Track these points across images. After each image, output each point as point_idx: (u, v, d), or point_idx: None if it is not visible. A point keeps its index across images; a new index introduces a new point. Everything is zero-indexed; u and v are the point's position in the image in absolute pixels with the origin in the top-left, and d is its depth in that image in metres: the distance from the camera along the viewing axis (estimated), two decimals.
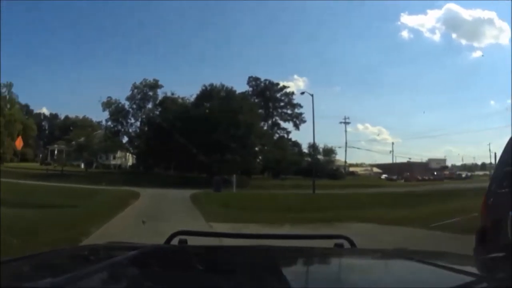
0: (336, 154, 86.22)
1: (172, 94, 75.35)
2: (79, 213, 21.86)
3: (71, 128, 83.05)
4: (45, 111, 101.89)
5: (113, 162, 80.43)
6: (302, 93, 69.70)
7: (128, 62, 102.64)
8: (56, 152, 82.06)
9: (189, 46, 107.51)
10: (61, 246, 4.75)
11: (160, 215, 22.90)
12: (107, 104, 73.85)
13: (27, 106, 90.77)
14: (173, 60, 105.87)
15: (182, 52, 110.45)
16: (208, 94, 71.70)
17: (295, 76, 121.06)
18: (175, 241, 3.46)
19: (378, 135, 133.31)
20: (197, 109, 67.97)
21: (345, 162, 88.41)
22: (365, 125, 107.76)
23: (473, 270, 2.60)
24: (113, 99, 74.33)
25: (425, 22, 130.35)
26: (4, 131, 71.18)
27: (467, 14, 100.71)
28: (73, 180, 53.41)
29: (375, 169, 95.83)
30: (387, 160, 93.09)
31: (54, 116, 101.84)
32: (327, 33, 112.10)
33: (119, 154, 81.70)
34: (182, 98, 75.78)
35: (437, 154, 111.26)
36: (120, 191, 39.20)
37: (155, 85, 75.54)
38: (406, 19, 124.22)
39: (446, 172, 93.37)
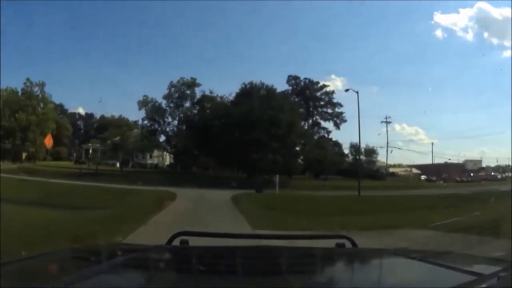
0: (377, 154, 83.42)
1: (211, 92, 73.53)
2: (106, 216, 19.66)
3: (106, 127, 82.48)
4: (81, 111, 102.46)
5: (149, 161, 78.77)
6: (347, 90, 66.73)
7: (165, 61, 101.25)
8: (90, 151, 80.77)
9: (229, 44, 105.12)
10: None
11: (199, 220, 21.04)
12: (143, 103, 72.66)
13: (61, 105, 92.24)
14: (211, 58, 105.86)
15: (220, 50, 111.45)
16: (248, 92, 69.08)
17: (333, 76, 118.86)
18: (176, 242, 3.45)
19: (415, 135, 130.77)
20: (236, 108, 65.09)
21: (386, 162, 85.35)
22: (402, 125, 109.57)
23: (475, 269, 2.52)
24: (149, 97, 73.04)
25: (457, 21, 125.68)
26: (36, 129, 71.48)
27: (497, 13, 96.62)
28: (107, 179, 51.68)
29: (414, 170, 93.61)
30: (424, 160, 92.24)
31: (89, 116, 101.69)
32: (361, 32, 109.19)
33: (156, 153, 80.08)
34: (221, 97, 73.97)
35: (471, 154, 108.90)
36: (155, 191, 36.99)
37: (192, 84, 73.73)
38: (439, 18, 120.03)
39: (482, 173, 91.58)
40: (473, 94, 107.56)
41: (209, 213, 25.18)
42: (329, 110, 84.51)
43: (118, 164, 72.65)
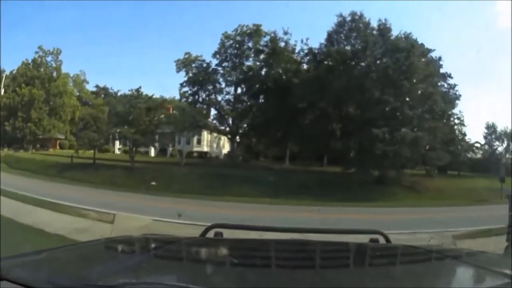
0: None
1: (286, 33, 43.48)
2: None
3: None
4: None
5: (197, 148, 50.20)
6: None
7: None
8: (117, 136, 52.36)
9: None
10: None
11: None
12: (184, 63, 44.93)
13: (105, 88, 68.41)
14: None
15: None
16: (349, 28, 38.25)
17: None
18: (210, 234, 3.32)
19: None
20: (331, 54, 35.55)
21: None
22: None
23: (508, 271, 2.35)
24: (192, 55, 45.24)
25: None
26: (44, 107, 53.23)
27: None
28: (89, 177, 32.66)
29: None
30: None
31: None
32: None
33: (209, 138, 52.80)
34: (302, 42, 43.85)
35: None
36: None
37: (256, 33, 44.62)
38: None
39: None
40: None
41: None
42: (437, 82, 54.40)
43: (151, 152, 47.06)
